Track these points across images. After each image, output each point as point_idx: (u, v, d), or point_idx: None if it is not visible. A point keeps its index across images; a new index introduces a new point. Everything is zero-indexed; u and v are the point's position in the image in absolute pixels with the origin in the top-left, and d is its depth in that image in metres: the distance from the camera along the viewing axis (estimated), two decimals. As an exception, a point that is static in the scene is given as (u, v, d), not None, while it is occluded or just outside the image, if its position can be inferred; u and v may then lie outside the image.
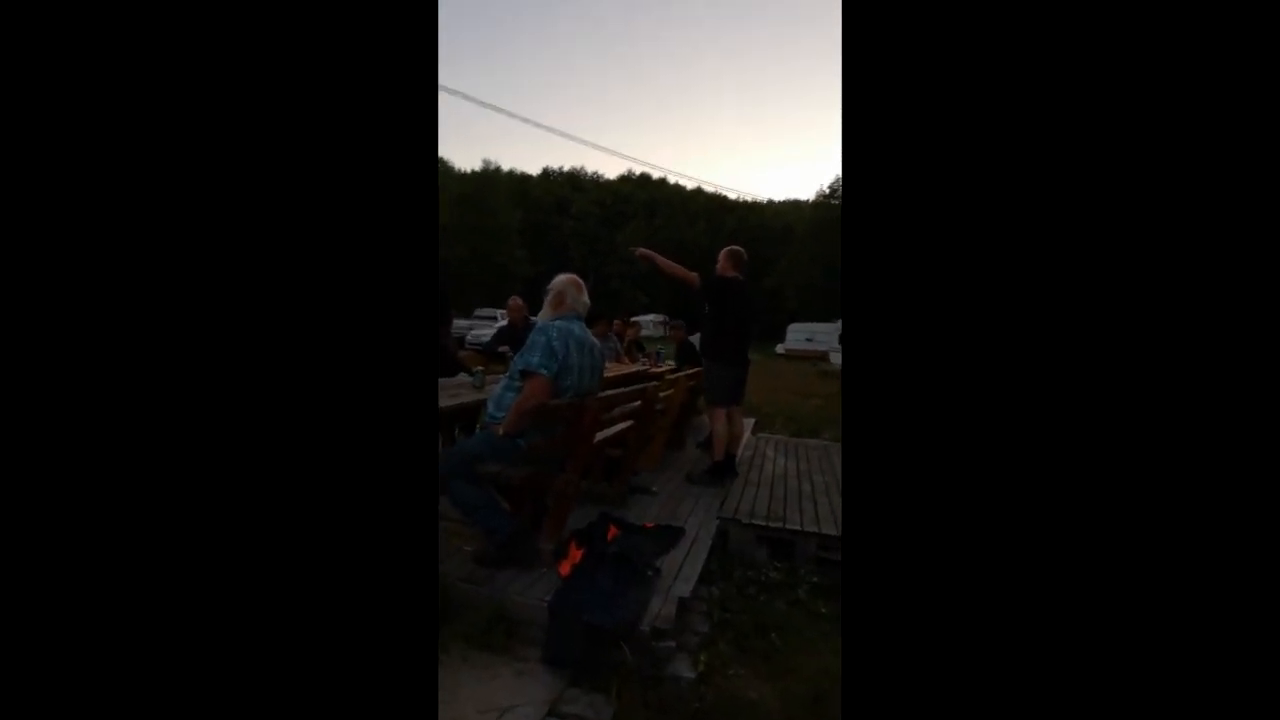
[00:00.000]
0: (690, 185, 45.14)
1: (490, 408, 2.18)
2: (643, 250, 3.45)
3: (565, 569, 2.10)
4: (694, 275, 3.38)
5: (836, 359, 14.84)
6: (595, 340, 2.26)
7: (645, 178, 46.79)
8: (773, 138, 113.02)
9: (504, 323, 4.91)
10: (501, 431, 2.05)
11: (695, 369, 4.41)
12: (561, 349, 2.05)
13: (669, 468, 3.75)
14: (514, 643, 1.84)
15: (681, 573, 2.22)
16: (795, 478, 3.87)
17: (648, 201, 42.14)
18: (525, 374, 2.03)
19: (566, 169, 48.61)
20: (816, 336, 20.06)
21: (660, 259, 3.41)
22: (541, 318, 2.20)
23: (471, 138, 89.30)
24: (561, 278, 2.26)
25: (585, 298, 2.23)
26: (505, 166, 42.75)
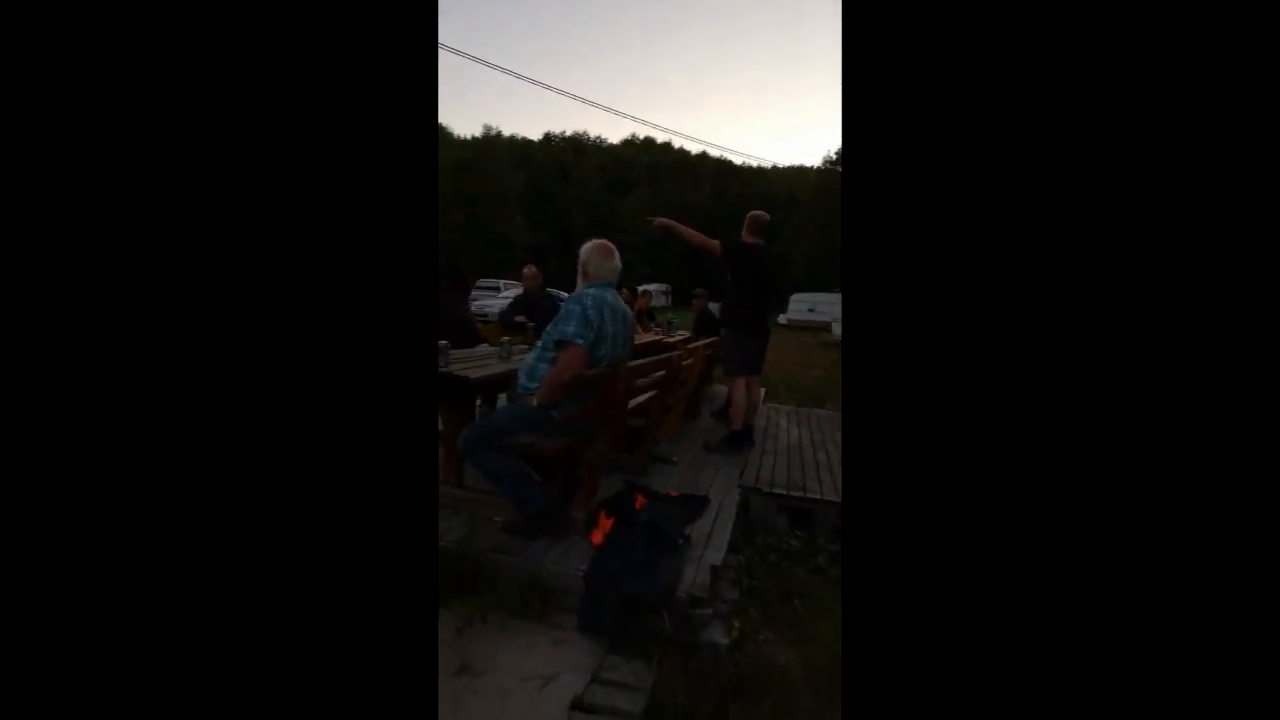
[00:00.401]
0: (695, 149, 44.19)
1: (522, 378, 2.15)
2: (661, 220, 3.36)
3: (597, 538, 2.12)
4: (715, 243, 3.31)
5: (839, 329, 14.74)
6: (627, 308, 2.22)
7: (649, 142, 45.74)
8: (777, 103, 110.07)
9: (509, 293, 4.84)
10: (536, 402, 2.03)
11: (712, 338, 4.39)
12: (596, 318, 2.01)
13: (685, 437, 3.76)
14: (550, 611, 1.86)
15: (711, 541, 2.23)
16: (810, 447, 3.88)
17: (651, 166, 41.26)
18: (560, 344, 2.00)
19: (569, 133, 47.48)
20: (819, 307, 19.88)
21: (679, 227, 3.33)
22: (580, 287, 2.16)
23: (471, 101, 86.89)
24: (587, 245, 2.20)
25: (615, 262, 2.17)
26: (506, 131, 41.77)
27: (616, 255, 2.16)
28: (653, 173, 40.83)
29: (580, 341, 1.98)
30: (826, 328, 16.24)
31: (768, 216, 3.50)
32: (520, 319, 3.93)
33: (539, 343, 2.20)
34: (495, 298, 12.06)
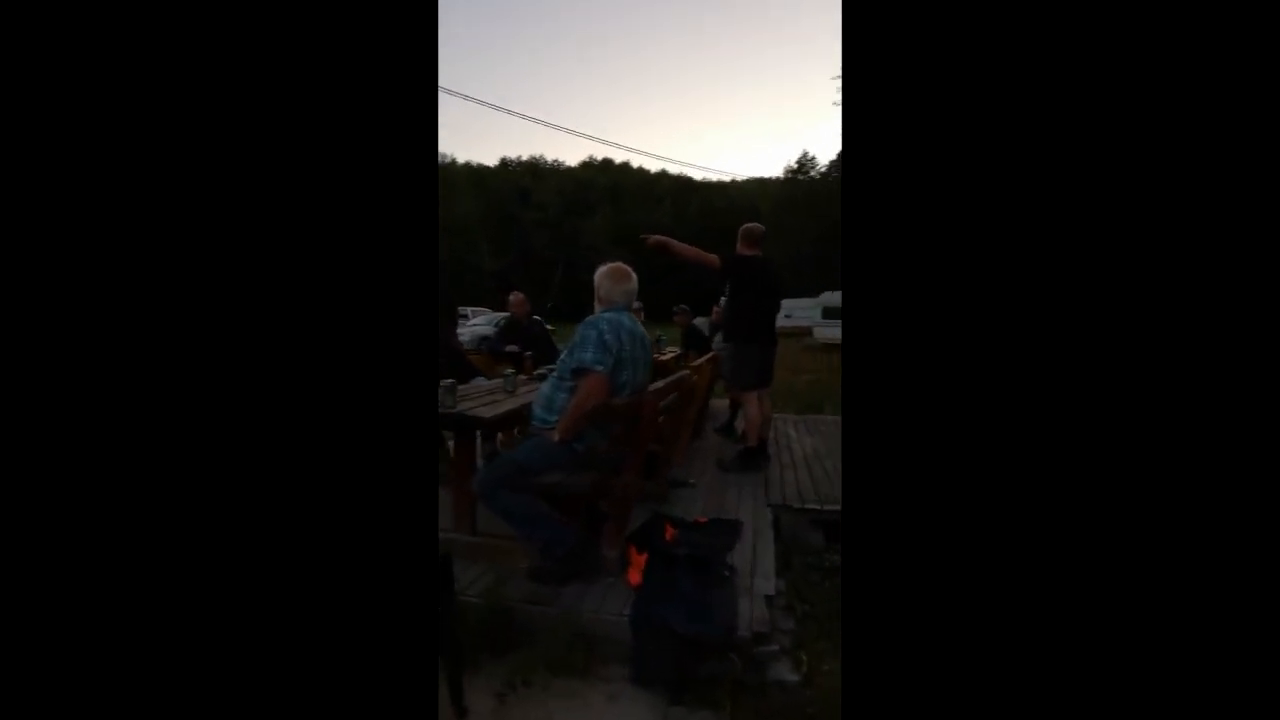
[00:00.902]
0: (654, 167, 44.79)
1: (538, 411, 1.99)
2: (656, 237, 3.25)
3: (635, 576, 1.95)
4: (714, 257, 3.22)
5: (820, 333, 14.89)
6: (644, 331, 2.09)
7: (608, 162, 46.25)
8: (734, 116, 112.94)
9: (477, 320, 4.64)
10: (557, 437, 1.86)
11: (709, 354, 4.28)
12: (615, 342, 1.87)
13: (694, 457, 3.62)
14: (597, 663, 1.68)
15: (758, 568, 2.09)
16: (826, 456, 3.78)
17: (611, 187, 41.60)
18: (579, 372, 1.85)
19: (525, 157, 47.67)
20: (795, 313, 20.08)
21: (674, 244, 3.22)
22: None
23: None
24: (601, 269, 2.08)
25: (631, 285, 2.05)
26: (461, 159, 41.69)
27: (633, 278, 2.04)
28: (613, 193, 41.15)
29: (600, 368, 1.84)
30: (807, 332, 16.36)
31: (763, 228, 3.45)
32: (513, 348, 3.74)
33: (553, 372, 2.05)
34: (463, 326, 11.80)
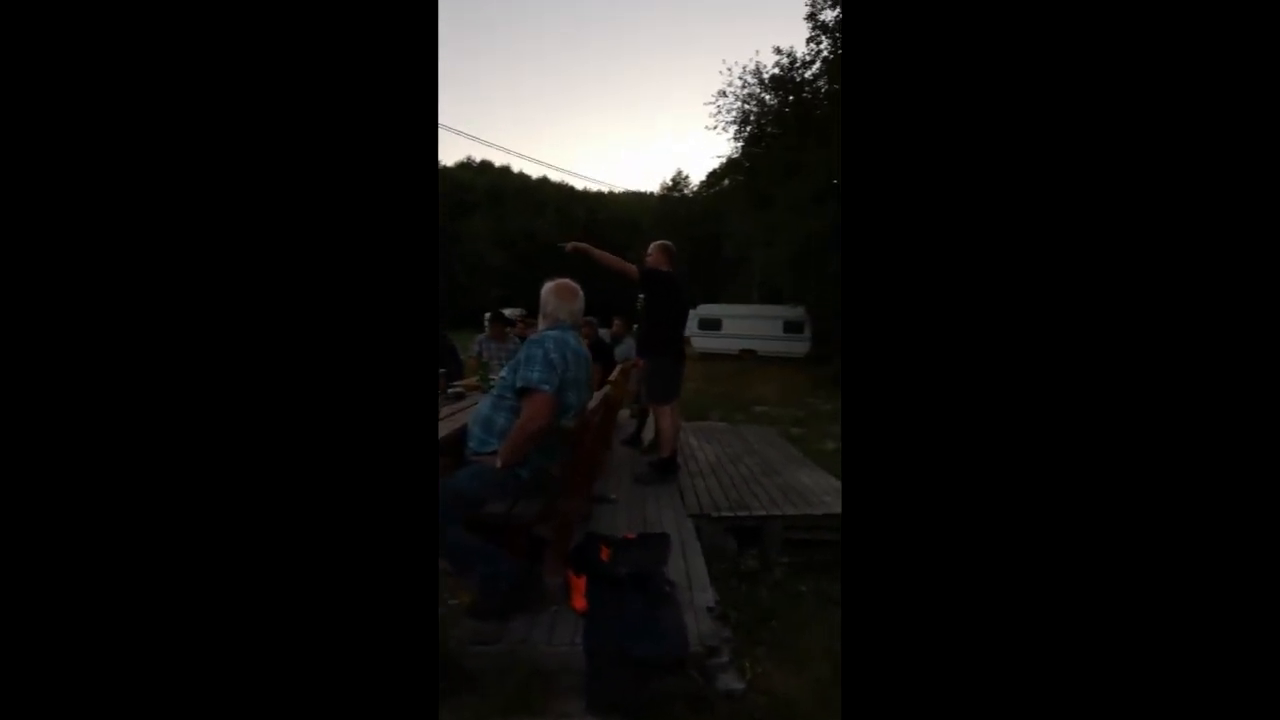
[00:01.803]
0: (534, 172, 44.08)
1: (476, 433, 1.88)
2: (575, 244, 3.24)
3: (579, 602, 1.92)
4: (633, 268, 3.28)
5: (697, 343, 15.63)
6: (587, 351, 2.07)
7: (487, 164, 44.62)
8: (611, 129, 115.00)
9: None
10: (500, 462, 1.78)
11: (620, 365, 4.32)
12: (560, 362, 1.83)
13: (608, 472, 3.63)
14: (552, 698, 1.62)
15: (693, 580, 2.16)
16: (730, 463, 4.01)
17: (491, 189, 40.17)
18: (525, 392, 1.78)
19: (396, 154, 44.09)
20: (675, 323, 20.92)
21: (594, 251, 3.24)
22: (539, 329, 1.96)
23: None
24: (547, 285, 2.01)
25: (578, 303, 2.01)
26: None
27: (580, 297, 2.01)
28: (493, 196, 39.80)
29: (547, 388, 1.79)
30: (686, 342, 17.13)
31: (673, 245, 3.57)
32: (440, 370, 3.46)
33: (491, 392, 1.95)
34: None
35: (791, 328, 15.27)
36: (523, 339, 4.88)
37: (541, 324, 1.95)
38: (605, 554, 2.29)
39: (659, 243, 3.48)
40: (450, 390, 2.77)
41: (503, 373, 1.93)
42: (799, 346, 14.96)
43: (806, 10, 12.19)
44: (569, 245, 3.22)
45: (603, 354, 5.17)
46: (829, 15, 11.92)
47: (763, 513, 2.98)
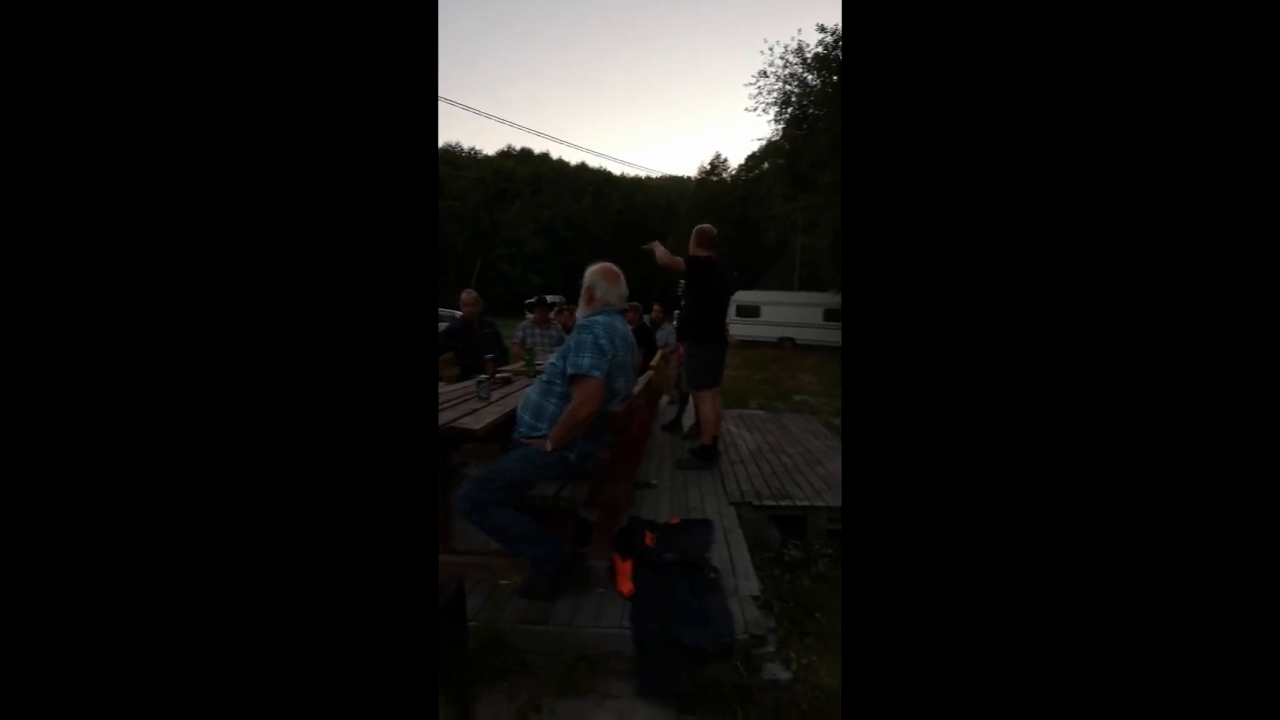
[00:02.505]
0: (573, 158, 44.21)
1: (527, 419, 1.90)
2: (651, 245, 3.30)
3: (625, 585, 1.93)
4: (679, 260, 3.26)
5: (734, 329, 15.45)
6: (632, 335, 2.06)
7: (527, 152, 45.00)
8: (649, 113, 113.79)
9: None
10: (550, 446, 1.79)
11: (661, 350, 4.32)
12: (610, 347, 1.83)
13: (650, 457, 3.64)
14: (600, 679, 1.65)
15: (737, 568, 2.14)
16: (772, 452, 3.96)
17: (531, 178, 40.49)
18: (576, 378, 1.79)
19: (440, 145, 45.23)
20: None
21: (658, 249, 3.27)
22: (579, 314, 1.95)
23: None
24: (591, 269, 2.00)
25: (623, 288, 2.00)
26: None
27: (623, 280, 1.99)
28: (533, 184, 40.12)
29: (597, 374, 1.79)
30: (726, 328, 16.99)
31: (714, 230, 3.52)
32: (446, 356, 3.54)
33: (540, 378, 1.97)
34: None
35: (832, 316, 14.90)
36: (565, 326, 4.94)
37: (585, 308, 1.95)
38: (650, 539, 2.30)
39: (699, 228, 3.43)
40: (498, 375, 2.81)
41: (552, 359, 1.94)
42: (839, 335, 14.60)
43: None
44: (647, 246, 3.29)
45: (646, 338, 5.17)
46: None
47: (806, 503, 2.93)
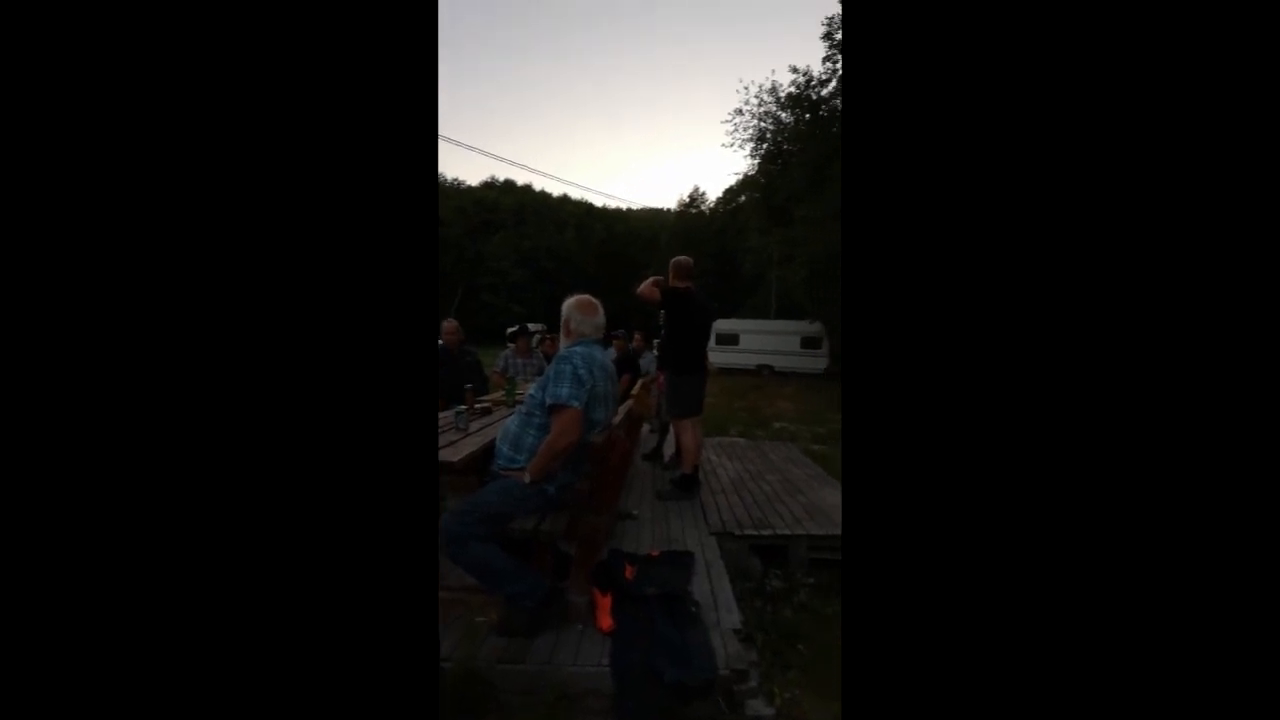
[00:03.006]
0: (555, 190, 44.73)
1: (505, 450, 1.89)
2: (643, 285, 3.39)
3: (605, 621, 1.90)
4: (655, 291, 3.32)
5: (714, 357, 15.56)
6: (612, 365, 2.08)
7: (510, 184, 45.41)
8: (629, 147, 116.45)
9: None
10: (528, 478, 1.78)
11: (641, 378, 4.33)
12: (589, 377, 1.84)
13: (630, 487, 3.62)
14: (580, 718, 1.60)
15: (719, 601, 2.12)
16: (752, 480, 3.96)
17: (514, 208, 40.83)
18: (555, 409, 1.79)
19: (420, 173, 45.23)
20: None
21: (643, 286, 3.35)
22: (561, 346, 1.97)
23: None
24: (568, 301, 2.03)
25: (600, 318, 2.02)
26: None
27: (601, 311, 2.02)
28: (516, 215, 40.45)
29: (576, 404, 1.79)
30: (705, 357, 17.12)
31: (690, 261, 3.59)
32: None
33: (519, 409, 1.96)
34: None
35: (809, 343, 15.15)
36: (547, 355, 4.93)
37: (564, 340, 1.97)
38: (630, 572, 2.27)
39: (676, 260, 3.50)
40: (478, 405, 2.79)
41: (530, 389, 1.94)
42: (817, 362, 14.83)
43: (823, 30, 12.32)
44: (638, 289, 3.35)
45: (631, 365, 5.19)
46: (846, 34, 11.98)
47: (787, 531, 2.93)
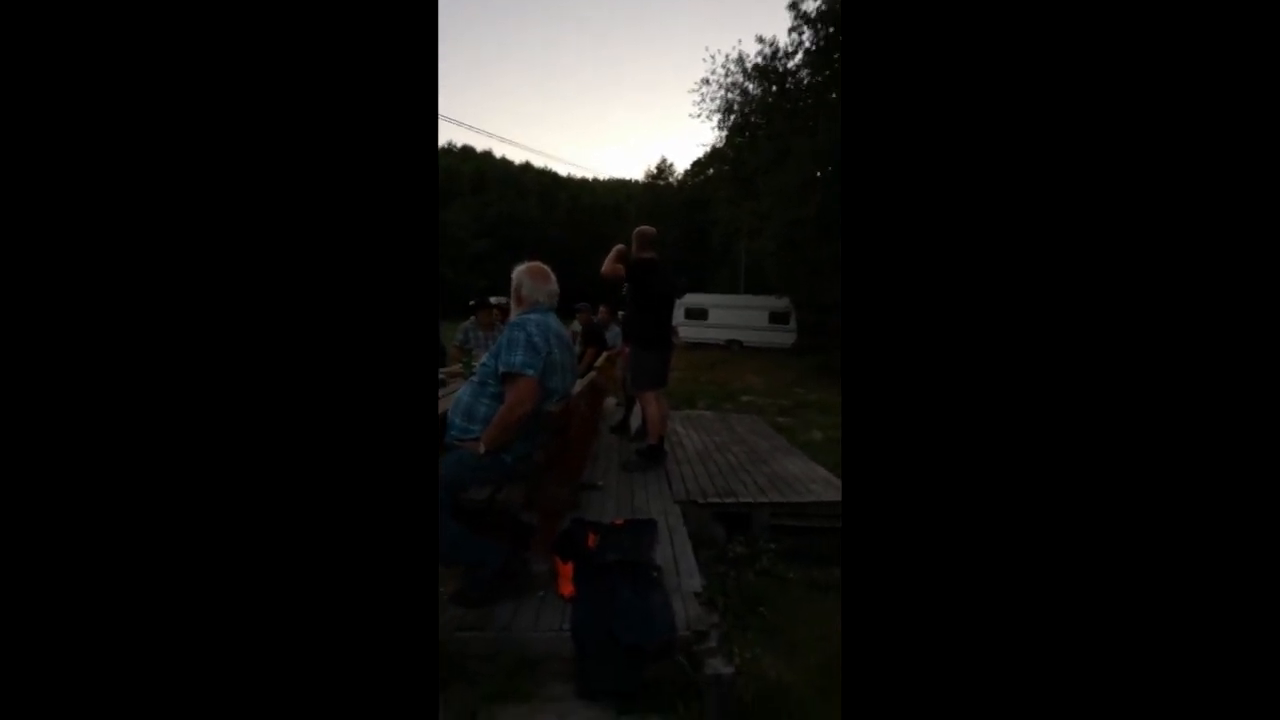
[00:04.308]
0: (517, 158, 43.46)
1: (457, 421, 1.83)
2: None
3: (566, 588, 1.90)
4: (618, 267, 3.25)
5: (684, 332, 15.62)
6: (567, 334, 2.03)
7: (469, 150, 43.95)
8: (596, 116, 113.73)
9: None
10: (483, 448, 1.74)
11: (610, 350, 4.29)
12: (544, 345, 1.79)
13: (595, 458, 3.61)
14: (540, 683, 1.61)
15: (680, 566, 2.15)
16: (717, 451, 4.01)
17: (474, 175, 39.56)
18: (508, 377, 1.74)
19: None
20: (660, 312, 20.89)
21: (605, 264, 3.24)
22: (512, 315, 1.91)
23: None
24: (519, 268, 1.96)
25: (553, 285, 1.97)
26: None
27: (553, 279, 1.96)
28: (476, 182, 39.18)
29: (531, 372, 1.75)
30: (674, 331, 17.16)
31: (654, 230, 3.53)
32: None
33: (472, 379, 1.90)
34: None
35: (777, 318, 15.34)
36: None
37: (516, 308, 1.91)
38: (592, 540, 2.27)
39: (639, 230, 3.44)
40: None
41: (484, 359, 1.88)
42: (784, 337, 15.04)
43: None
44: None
45: (597, 337, 5.13)
46: (811, 5, 11.85)
47: (750, 500, 2.98)
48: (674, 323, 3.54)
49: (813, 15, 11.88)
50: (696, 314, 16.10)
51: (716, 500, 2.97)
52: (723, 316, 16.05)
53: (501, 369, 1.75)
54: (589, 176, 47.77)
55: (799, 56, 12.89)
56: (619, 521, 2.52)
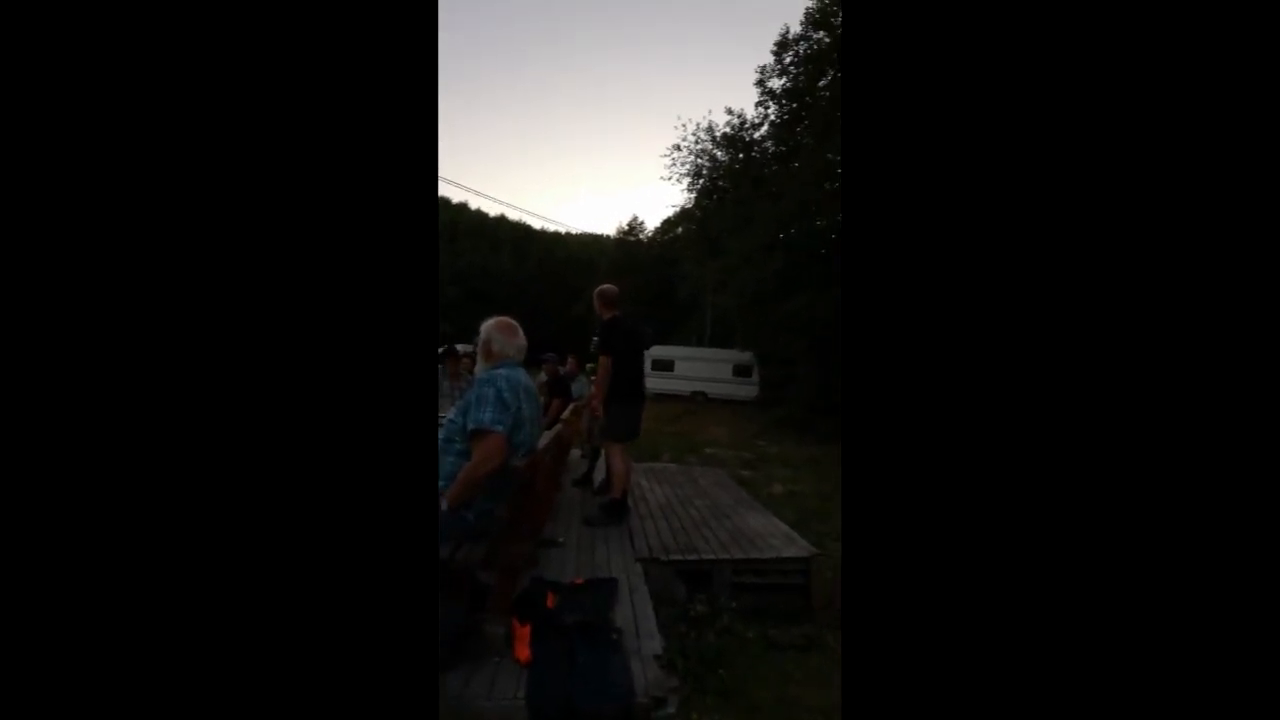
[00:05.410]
0: (492, 210, 44.14)
1: (421, 476, 1.81)
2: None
3: (522, 652, 1.84)
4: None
5: (651, 383, 15.68)
6: (535, 387, 2.06)
7: (444, 201, 44.44)
8: (569, 173, 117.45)
9: None
10: (446, 505, 1.72)
11: (573, 402, 4.30)
12: (513, 400, 1.82)
13: (556, 512, 3.56)
14: (491, 758, 1.54)
15: (640, 628, 2.11)
16: (680, 504, 4.00)
17: (448, 226, 39.86)
18: (477, 434, 1.75)
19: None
20: (628, 363, 21.05)
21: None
22: (478, 370, 1.93)
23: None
24: (487, 323, 2.00)
25: (521, 339, 2.01)
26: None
27: (521, 333, 2.01)
28: (449, 232, 39.46)
29: (500, 429, 1.76)
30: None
31: (616, 289, 3.63)
32: None
33: (439, 433, 1.90)
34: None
35: (740, 371, 15.67)
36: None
37: (484, 362, 1.94)
38: (551, 600, 2.22)
39: (600, 289, 3.51)
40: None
41: (450, 414, 1.89)
42: (747, 390, 15.33)
43: (756, 76, 13.12)
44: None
45: (563, 389, 5.13)
46: (776, 83, 12.86)
47: (712, 556, 2.98)
48: (643, 376, 3.58)
49: (778, 91, 12.88)
50: (663, 365, 16.29)
51: (679, 557, 2.95)
52: (689, 369, 16.29)
53: (471, 426, 1.76)
54: (563, 230, 48.80)
55: (764, 128, 13.86)
56: (579, 580, 2.48)
